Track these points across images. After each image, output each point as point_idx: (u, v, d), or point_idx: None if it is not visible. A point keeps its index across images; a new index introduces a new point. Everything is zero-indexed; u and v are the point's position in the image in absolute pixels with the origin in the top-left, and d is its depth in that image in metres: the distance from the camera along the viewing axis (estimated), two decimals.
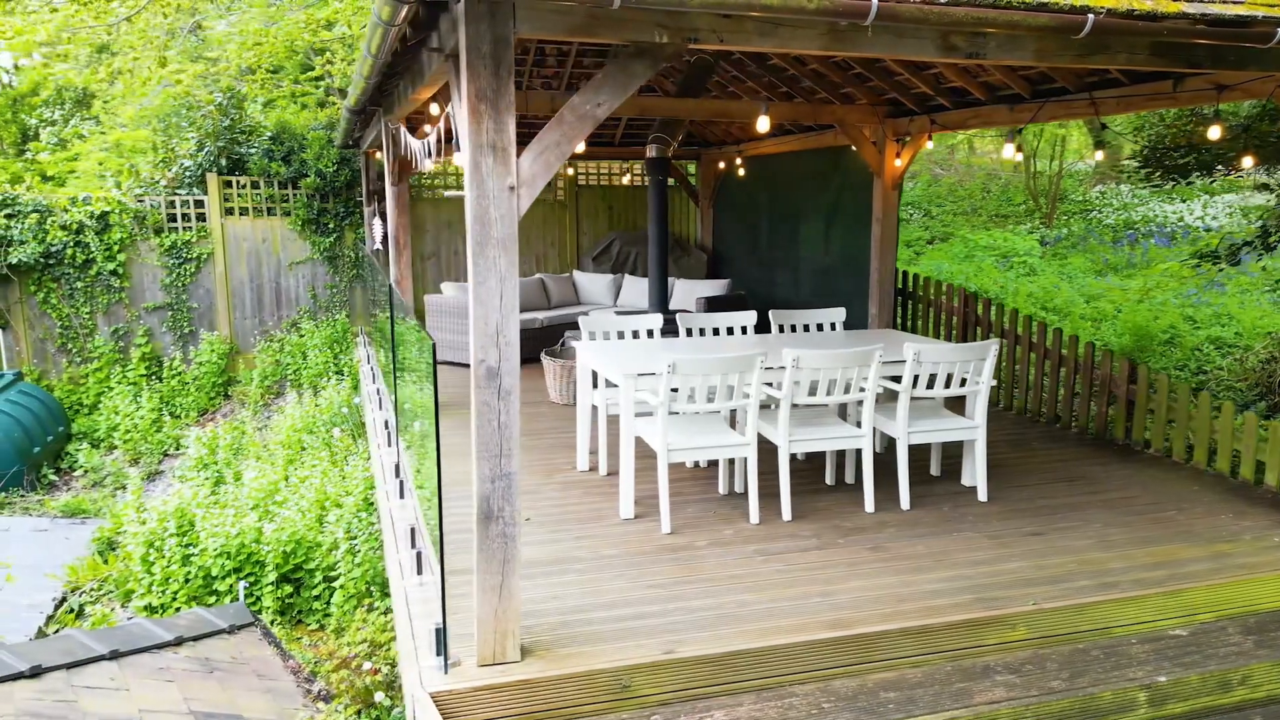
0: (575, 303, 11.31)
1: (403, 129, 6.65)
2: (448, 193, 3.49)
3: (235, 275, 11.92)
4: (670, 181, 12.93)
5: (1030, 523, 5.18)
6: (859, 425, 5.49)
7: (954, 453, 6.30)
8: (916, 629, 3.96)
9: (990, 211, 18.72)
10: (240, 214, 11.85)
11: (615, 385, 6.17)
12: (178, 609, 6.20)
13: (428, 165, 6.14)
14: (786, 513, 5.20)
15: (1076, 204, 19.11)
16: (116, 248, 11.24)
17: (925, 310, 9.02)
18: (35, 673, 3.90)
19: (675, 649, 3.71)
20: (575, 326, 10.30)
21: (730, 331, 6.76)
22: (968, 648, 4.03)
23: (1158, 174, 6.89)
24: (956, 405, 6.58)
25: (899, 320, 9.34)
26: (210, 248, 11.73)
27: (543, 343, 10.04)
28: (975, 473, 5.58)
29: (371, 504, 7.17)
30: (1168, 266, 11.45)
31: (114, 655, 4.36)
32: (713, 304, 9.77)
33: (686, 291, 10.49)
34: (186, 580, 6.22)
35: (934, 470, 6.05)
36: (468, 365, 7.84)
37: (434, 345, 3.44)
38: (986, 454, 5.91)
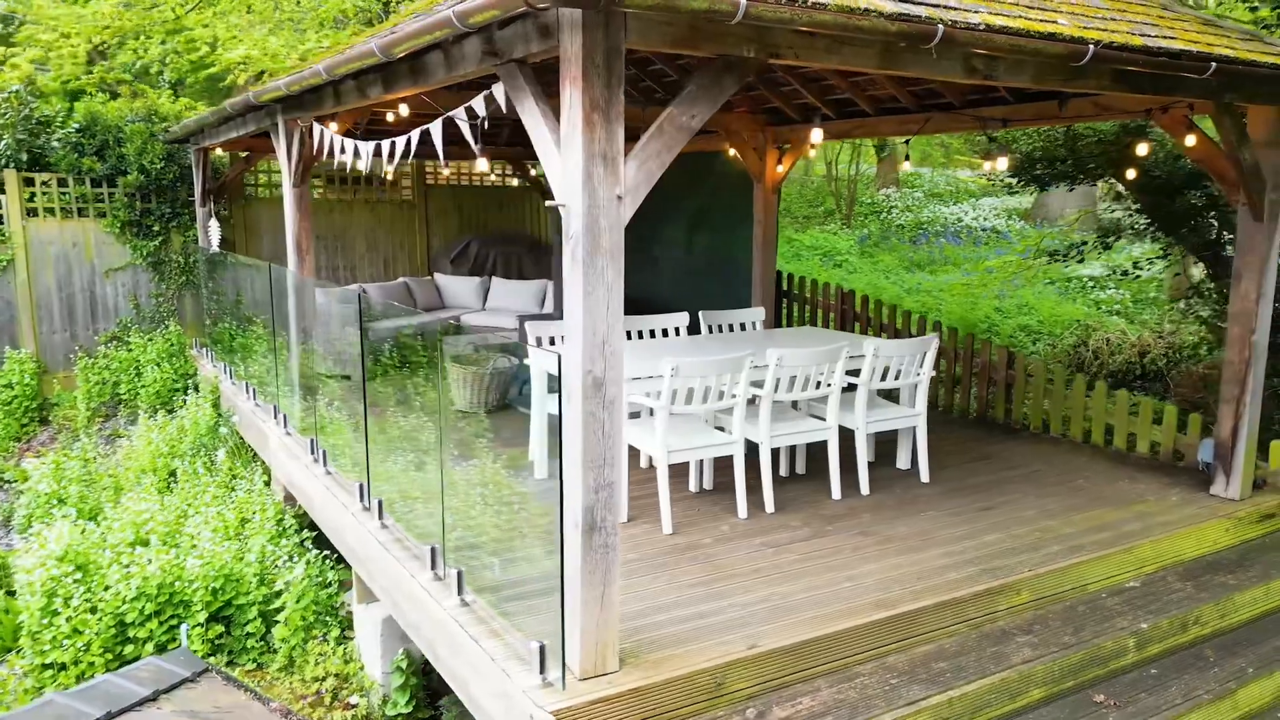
0: (440, 306, 10.99)
1: (318, 128, 6.25)
2: (548, 202, 3.26)
3: (41, 284, 10.55)
4: (520, 183, 12.88)
5: (976, 499, 5.72)
6: (822, 419, 5.81)
7: (883, 439, 6.78)
8: (947, 602, 4.31)
9: (797, 213, 19.98)
10: (46, 215, 10.50)
11: None
12: (91, 663, 5.50)
13: (363, 167, 5.84)
14: (770, 506, 5.42)
15: (867, 206, 20.80)
16: None
17: (803, 308, 9.59)
18: None
19: (757, 644, 3.83)
20: (457, 332, 10.03)
21: (665, 333, 6.90)
22: (983, 615, 4.44)
23: (1022, 183, 7.79)
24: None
25: (780, 318, 9.85)
26: (9, 253, 10.32)
27: (436, 348, 9.71)
28: (918, 457, 6.07)
29: (285, 530, 6.69)
30: (994, 262, 12.82)
31: (109, 718, 3.86)
32: None
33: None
34: (98, 631, 5.52)
35: (869, 456, 6.49)
36: (335, 375, 7.43)
37: (559, 358, 3.35)
38: (892, 438, 6.46)
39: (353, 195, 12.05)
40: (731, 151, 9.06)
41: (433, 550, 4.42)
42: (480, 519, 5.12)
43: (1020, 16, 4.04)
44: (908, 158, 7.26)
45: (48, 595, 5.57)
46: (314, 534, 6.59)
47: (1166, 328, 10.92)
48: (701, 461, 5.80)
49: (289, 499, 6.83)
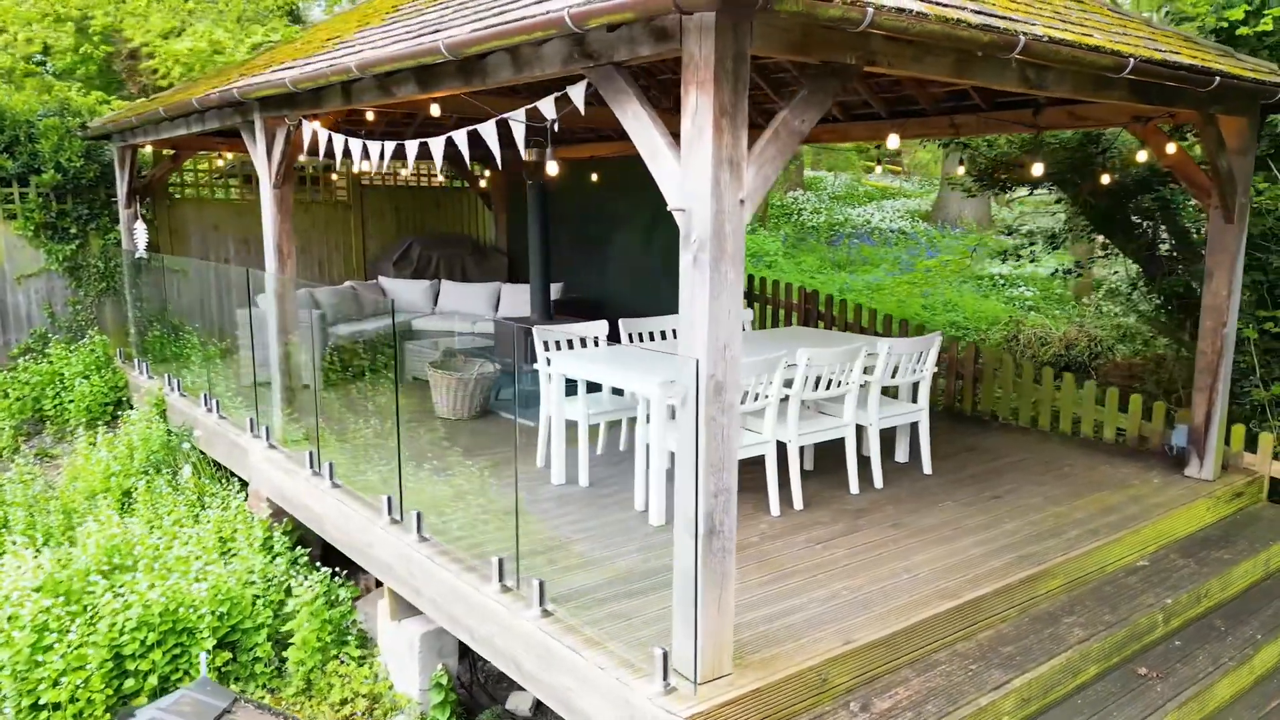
0: (387, 312, 10.65)
1: (309, 124, 6.01)
2: (670, 207, 3.18)
3: None
4: (460, 184, 12.64)
5: (982, 488, 5.98)
6: (832, 417, 5.95)
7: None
8: (1000, 589, 4.50)
9: None
10: None
11: (596, 393, 6.11)
12: (90, 700, 5.12)
13: (367, 167, 5.67)
14: (798, 503, 5.53)
15: (778, 209, 21.30)
16: None
17: (764, 308, 9.76)
18: None
19: (851, 638, 3.91)
20: (409, 337, 9.77)
21: (663, 335, 6.92)
22: (1028, 600, 4.66)
23: (982, 186, 8.20)
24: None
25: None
26: None
27: (378, 354, 9.45)
28: (920, 449, 6.30)
29: (276, 548, 6.39)
30: (932, 261, 13.35)
31: None
32: (559, 308, 9.76)
33: (522, 296, 10.33)
34: (96, 665, 5.14)
35: (866, 451, 6.69)
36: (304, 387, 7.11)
37: (697, 363, 3.32)
38: (892, 433, 6.70)
39: None
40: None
41: (500, 561, 4.32)
42: (534, 527, 5.04)
43: (1069, 30, 4.26)
44: (880, 161, 7.50)
45: (38, 630, 5.15)
46: (307, 550, 6.33)
47: (1087, 322, 11.65)
48: None
49: (277, 515, 6.51)
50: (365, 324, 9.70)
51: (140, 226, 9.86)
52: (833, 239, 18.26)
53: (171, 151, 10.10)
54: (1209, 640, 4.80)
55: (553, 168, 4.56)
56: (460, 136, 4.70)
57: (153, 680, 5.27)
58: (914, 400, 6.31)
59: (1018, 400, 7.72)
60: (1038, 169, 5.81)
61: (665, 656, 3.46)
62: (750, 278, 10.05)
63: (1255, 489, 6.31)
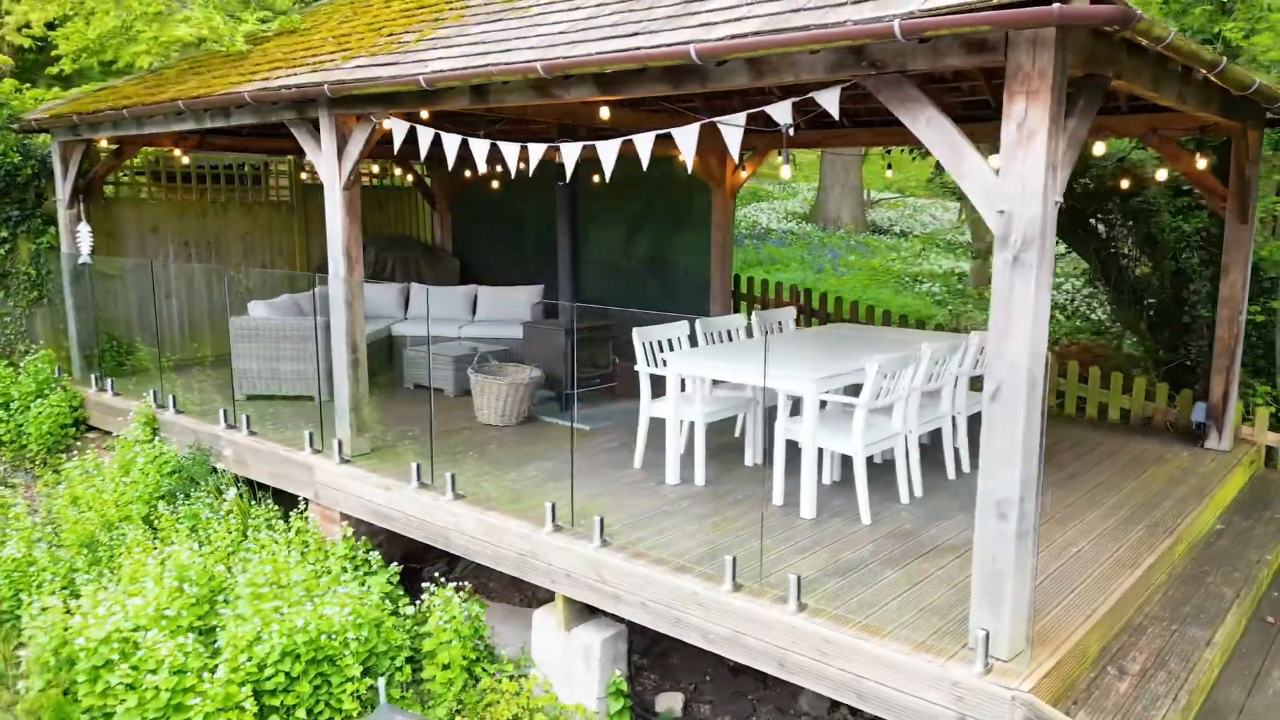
0: (369, 316, 10.13)
1: (399, 123, 5.75)
2: (996, 209, 3.25)
3: None
4: (403, 183, 12.18)
5: (1051, 469, 6.49)
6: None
7: None
8: (1160, 557, 4.97)
9: None
10: None
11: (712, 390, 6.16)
12: None
13: (484, 168, 5.53)
14: (919, 490, 5.83)
15: None
16: None
17: (751, 307, 10.03)
18: None
19: (1089, 611, 4.23)
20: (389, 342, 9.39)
21: (730, 336, 7.06)
22: (1169, 566, 5.16)
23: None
24: None
25: None
26: None
27: (374, 360, 9.03)
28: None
29: (364, 565, 6.06)
30: (875, 261, 14.04)
31: None
32: (549, 311, 9.65)
33: (502, 299, 10.11)
34: (237, 707, 4.73)
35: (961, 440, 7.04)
36: (287, 397, 6.79)
37: (1026, 359, 3.50)
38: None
39: (227, 196, 10.74)
40: (682, 155, 9.25)
41: (733, 560, 4.35)
42: (689, 529, 5.06)
43: None
44: (889, 167, 7.96)
45: (176, 671, 4.69)
46: (400, 567, 6.02)
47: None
48: (832, 455, 6.07)
49: (358, 531, 6.15)
50: None
51: (84, 229, 8.97)
52: (736, 239, 18.84)
53: (116, 147, 9.21)
54: None
55: (786, 172, 4.63)
56: (646, 140, 4.68)
57: (300, 714, 4.90)
58: (976, 391, 6.76)
59: None
60: (1162, 174, 6.39)
61: (987, 637, 3.64)
62: (736, 277, 10.31)
63: (1259, 456, 7.19)
